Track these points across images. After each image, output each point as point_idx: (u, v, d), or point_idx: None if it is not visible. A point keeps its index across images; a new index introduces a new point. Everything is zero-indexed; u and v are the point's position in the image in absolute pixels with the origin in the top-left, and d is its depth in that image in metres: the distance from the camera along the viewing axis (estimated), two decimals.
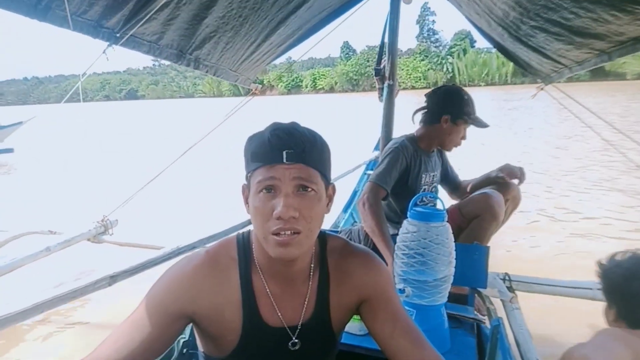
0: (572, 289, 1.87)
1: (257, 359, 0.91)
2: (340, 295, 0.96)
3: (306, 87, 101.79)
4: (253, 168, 0.83)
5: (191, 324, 0.92)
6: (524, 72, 2.95)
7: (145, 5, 1.50)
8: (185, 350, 1.47)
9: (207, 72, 2.03)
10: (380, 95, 2.28)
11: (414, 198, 1.55)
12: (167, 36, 1.75)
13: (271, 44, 2.26)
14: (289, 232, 0.80)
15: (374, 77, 2.42)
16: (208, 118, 2.45)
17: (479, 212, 2.07)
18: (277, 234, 0.80)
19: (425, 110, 2.17)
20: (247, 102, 2.53)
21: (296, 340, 0.91)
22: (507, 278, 1.98)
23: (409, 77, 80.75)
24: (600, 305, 1.97)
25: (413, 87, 78.39)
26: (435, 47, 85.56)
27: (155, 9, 1.50)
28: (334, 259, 0.97)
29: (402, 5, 2.37)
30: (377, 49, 2.49)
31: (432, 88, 2.26)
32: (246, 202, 0.89)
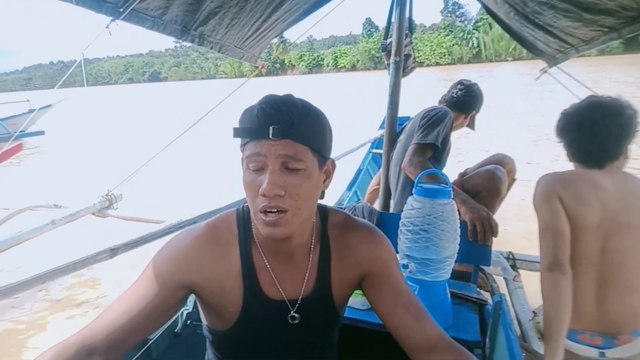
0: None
1: (258, 332, 0.92)
2: (342, 270, 0.95)
3: (327, 66, 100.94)
4: (243, 143, 0.82)
5: (194, 297, 0.93)
6: (529, 52, 2.87)
7: None
8: (189, 321, 1.51)
9: (211, 48, 2.01)
10: (389, 71, 2.23)
11: (420, 173, 1.53)
12: (170, 11, 1.73)
13: (277, 19, 2.22)
14: (275, 211, 0.79)
15: (382, 53, 2.38)
16: (226, 98, 2.44)
17: (480, 188, 2.09)
18: (264, 212, 0.79)
19: (457, 97, 2.43)
20: (246, 81, 2.52)
21: (295, 315, 0.92)
22: (510, 257, 1.97)
23: (433, 53, 78.81)
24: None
25: (437, 63, 76.54)
26: (460, 21, 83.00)
27: None
28: (335, 233, 0.96)
29: None
30: (412, 22, 2.51)
31: (463, 81, 2.50)
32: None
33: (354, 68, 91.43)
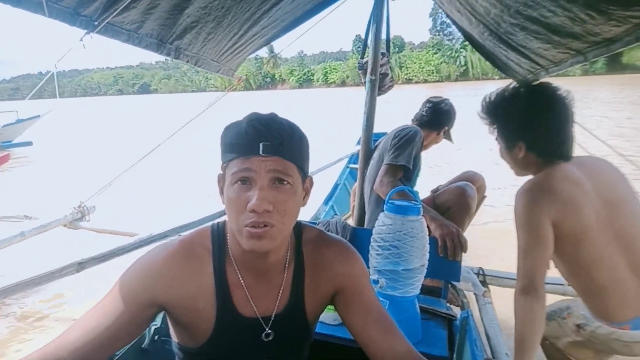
0: (545, 284, 1.86)
1: (231, 350, 0.91)
2: (315, 286, 0.96)
3: (317, 81, 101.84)
4: (229, 159, 0.82)
5: (164, 312, 0.91)
6: (502, 73, 2.95)
7: None
8: (157, 337, 1.48)
9: (187, 61, 2.02)
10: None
11: (390, 191, 1.55)
12: (147, 25, 1.74)
13: (254, 35, 2.25)
14: (262, 225, 0.79)
15: (358, 71, 2.43)
16: (201, 113, 2.45)
17: (451, 204, 2.14)
18: (250, 226, 0.80)
19: (426, 116, 2.46)
20: (224, 95, 2.54)
21: (270, 331, 0.91)
22: (481, 272, 1.99)
23: (422, 71, 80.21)
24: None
25: (425, 81, 77.84)
26: (448, 40, 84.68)
27: None
28: (310, 249, 0.97)
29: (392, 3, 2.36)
30: (390, 42, 2.58)
31: (431, 99, 2.55)
32: (221, 193, 0.88)
33: (343, 84, 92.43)
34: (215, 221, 0.96)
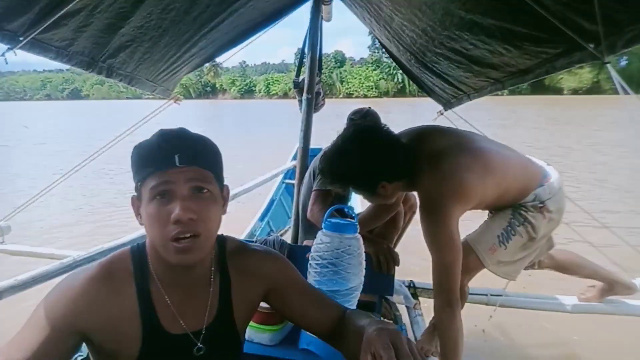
0: (470, 295, 2.00)
1: None
2: (243, 293, 0.99)
3: (259, 92, 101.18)
4: (144, 176, 0.83)
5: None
6: (428, 96, 3.14)
7: (54, 9, 1.43)
8: None
9: (120, 80, 1.97)
10: (300, 107, 2.34)
11: (328, 210, 1.59)
12: (78, 43, 1.68)
13: (192, 55, 2.25)
14: (188, 236, 0.80)
15: (294, 90, 2.49)
16: (133, 129, 2.36)
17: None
18: (176, 239, 0.80)
19: None
20: (162, 109, 2.49)
21: (201, 346, 0.91)
22: (411, 285, 2.09)
23: (362, 86, 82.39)
24: (490, 310, 2.15)
25: (365, 96, 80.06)
26: (386, 57, 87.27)
27: (66, 15, 1.45)
28: (234, 259, 1.00)
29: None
30: (330, 56, 2.59)
31: (353, 114, 2.36)
32: (137, 214, 0.87)
33: (285, 96, 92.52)
34: (135, 243, 0.95)
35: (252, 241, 2.39)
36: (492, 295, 2.13)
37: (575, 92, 62.54)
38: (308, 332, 1.34)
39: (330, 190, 2.07)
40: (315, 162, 2.26)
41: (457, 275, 1.49)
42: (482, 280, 1.84)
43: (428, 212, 1.52)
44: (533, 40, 1.43)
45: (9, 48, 1.48)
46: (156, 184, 0.80)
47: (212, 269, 0.96)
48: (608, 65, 1.13)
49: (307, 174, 2.34)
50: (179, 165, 0.80)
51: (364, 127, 1.60)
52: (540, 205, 1.66)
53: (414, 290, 2.09)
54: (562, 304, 2.18)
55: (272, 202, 4.09)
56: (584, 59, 1.25)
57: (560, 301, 2.19)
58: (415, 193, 2.51)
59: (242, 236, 3.12)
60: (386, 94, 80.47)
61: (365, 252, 1.56)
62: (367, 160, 1.49)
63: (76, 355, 1.37)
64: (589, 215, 2.41)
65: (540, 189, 1.66)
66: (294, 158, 4.39)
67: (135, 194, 0.87)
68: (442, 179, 1.47)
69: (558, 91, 64.15)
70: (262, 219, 3.77)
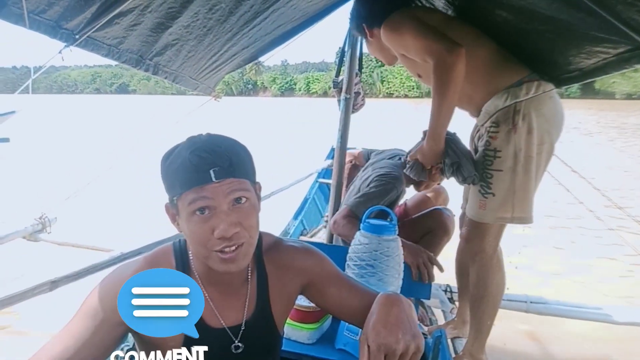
0: (508, 301, 1.95)
1: None
2: (280, 288, 0.99)
3: (300, 90, 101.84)
4: (179, 192, 0.81)
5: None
6: None
7: (108, 9, 1.50)
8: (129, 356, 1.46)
9: (166, 78, 2.04)
10: (339, 107, 2.35)
11: (367, 210, 1.58)
12: (128, 41, 1.75)
13: (234, 54, 2.30)
14: (233, 247, 0.81)
15: (333, 90, 2.50)
16: (175, 123, 2.44)
17: (431, 228, 2.13)
18: (221, 250, 0.81)
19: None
20: (205, 103, 2.55)
21: (239, 344, 0.93)
22: (448, 289, 2.06)
23: (402, 86, 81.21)
24: (529, 316, 2.08)
25: (406, 96, 78.92)
26: None
27: (119, 15, 1.51)
28: (270, 255, 1.00)
29: None
30: (372, 55, 2.56)
31: None
32: (174, 221, 0.89)
33: (325, 94, 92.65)
34: (177, 239, 0.97)
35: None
36: (531, 302, 2.04)
37: (629, 96, 59.20)
38: (345, 332, 1.35)
39: (358, 216, 1.96)
40: (366, 173, 2.17)
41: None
42: (521, 288, 1.78)
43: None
44: (591, 40, 1.39)
45: (65, 45, 1.58)
46: (194, 200, 0.80)
47: (249, 266, 0.97)
48: None
49: (358, 178, 2.23)
50: (216, 180, 0.79)
51: None
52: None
53: (451, 295, 2.06)
54: (607, 315, 2.03)
55: (305, 200, 4.11)
56: None
57: (605, 311, 2.05)
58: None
59: (277, 234, 3.15)
60: (428, 94, 78.51)
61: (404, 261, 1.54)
62: None
63: (122, 345, 1.44)
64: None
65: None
66: (328, 157, 4.38)
67: (169, 202, 0.87)
68: None
69: (609, 95, 60.92)
70: (296, 217, 3.80)
